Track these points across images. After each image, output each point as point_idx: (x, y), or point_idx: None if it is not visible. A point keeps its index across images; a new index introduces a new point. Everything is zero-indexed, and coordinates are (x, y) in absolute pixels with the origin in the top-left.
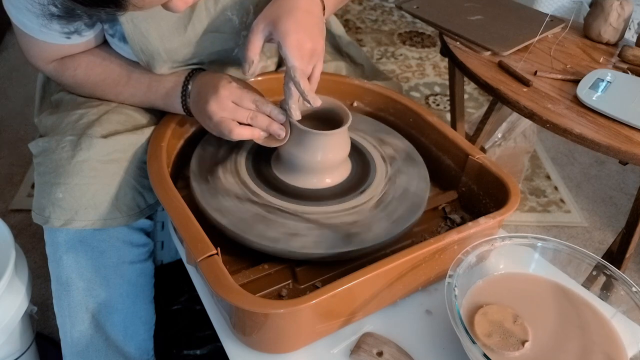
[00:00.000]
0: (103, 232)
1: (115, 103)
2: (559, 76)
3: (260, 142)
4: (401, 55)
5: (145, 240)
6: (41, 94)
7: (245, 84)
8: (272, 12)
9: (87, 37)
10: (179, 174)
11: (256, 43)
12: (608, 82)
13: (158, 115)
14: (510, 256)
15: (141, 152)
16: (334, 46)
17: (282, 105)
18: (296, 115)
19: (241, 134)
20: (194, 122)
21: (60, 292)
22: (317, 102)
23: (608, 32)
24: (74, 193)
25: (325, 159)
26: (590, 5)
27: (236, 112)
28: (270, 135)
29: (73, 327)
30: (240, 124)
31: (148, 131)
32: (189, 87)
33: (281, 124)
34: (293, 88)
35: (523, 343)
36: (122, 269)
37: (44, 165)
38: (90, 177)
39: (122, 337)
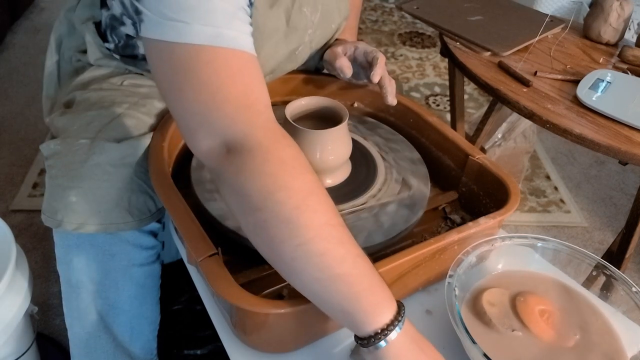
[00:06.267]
0: (114, 236)
1: (127, 104)
2: (559, 76)
3: None
4: (401, 55)
5: (154, 243)
6: (50, 79)
7: None
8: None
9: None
10: (180, 173)
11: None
12: (608, 82)
13: None
14: (510, 256)
15: None
16: None
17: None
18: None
19: None
20: None
21: (69, 294)
22: (376, 78)
23: (608, 33)
24: (87, 197)
25: (325, 158)
26: (590, 6)
27: None
28: None
29: (81, 328)
30: None
31: None
32: None
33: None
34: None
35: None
36: (131, 272)
37: (56, 168)
38: (103, 181)
39: (128, 337)
